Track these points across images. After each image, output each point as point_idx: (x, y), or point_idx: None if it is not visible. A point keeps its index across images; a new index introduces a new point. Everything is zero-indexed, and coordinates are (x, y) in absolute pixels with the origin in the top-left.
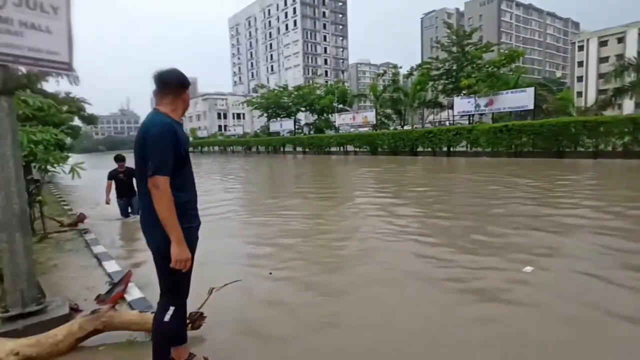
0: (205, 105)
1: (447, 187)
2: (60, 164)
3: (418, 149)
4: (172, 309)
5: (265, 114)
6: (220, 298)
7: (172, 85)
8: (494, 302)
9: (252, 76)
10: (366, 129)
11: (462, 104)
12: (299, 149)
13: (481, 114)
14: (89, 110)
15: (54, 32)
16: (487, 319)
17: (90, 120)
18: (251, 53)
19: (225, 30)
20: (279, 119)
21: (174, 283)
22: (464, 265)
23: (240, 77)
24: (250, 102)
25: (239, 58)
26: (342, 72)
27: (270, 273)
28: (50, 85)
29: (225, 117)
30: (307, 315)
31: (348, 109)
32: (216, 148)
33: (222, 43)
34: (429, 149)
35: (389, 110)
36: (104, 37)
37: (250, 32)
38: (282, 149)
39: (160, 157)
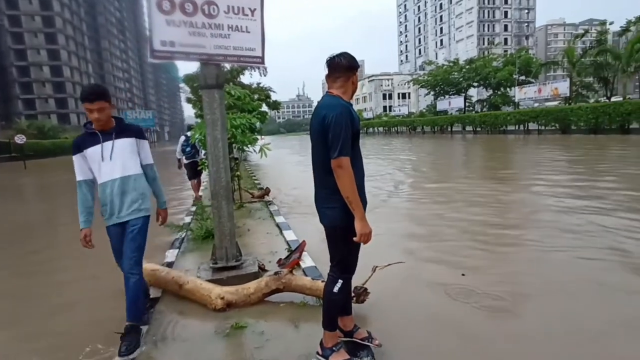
0: (370, 86)
1: None
2: (253, 145)
3: (631, 126)
4: (340, 282)
5: (432, 92)
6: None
7: (343, 68)
8: None
9: (420, 53)
10: (556, 103)
11: None
12: (468, 128)
13: None
14: (274, 97)
15: (252, 31)
16: None
17: (275, 106)
18: (419, 29)
19: (394, 8)
20: (447, 96)
21: (346, 258)
22: None
23: (407, 56)
24: (416, 81)
25: (406, 36)
26: (527, 38)
27: (463, 274)
28: (245, 77)
29: (390, 97)
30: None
31: (532, 80)
32: (380, 129)
33: (390, 23)
34: None
35: (589, 79)
36: (278, 27)
37: (419, 7)
38: (449, 129)
39: (342, 139)
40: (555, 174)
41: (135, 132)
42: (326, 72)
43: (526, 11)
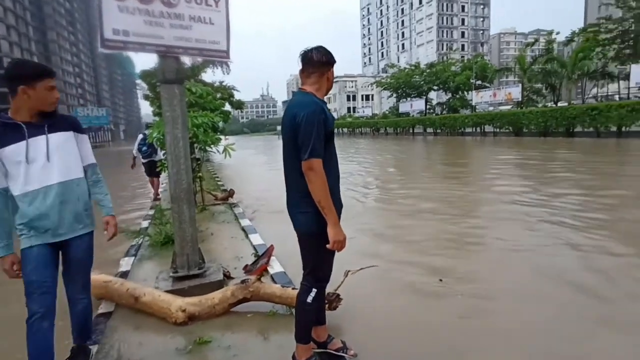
0: (335, 88)
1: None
2: (215, 145)
3: (576, 129)
4: (314, 291)
5: (395, 95)
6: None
7: (318, 63)
8: None
9: (382, 56)
10: (509, 107)
11: None
12: (429, 130)
13: None
14: (237, 96)
15: (216, 23)
16: None
17: (238, 105)
18: (382, 32)
19: (357, 11)
20: (409, 99)
21: (320, 266)
22: None
23: (370, 58)
24: (379, 83)
25: (369, 38)
26: (482, 45)
27: (441, 280)
28: (207, 75)
29: (354, 99)
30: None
31: (488, 85)
32: (345, 130)
33: (355, 25)
34: (591, 129)
35: (538, 85)
36: (243, 26)
37: (381, 11)
38: (411, 131)
39: (313, 140)
40: (511, 175)
41: (71, 123)
42: (300, 67)
43: (481, 19)
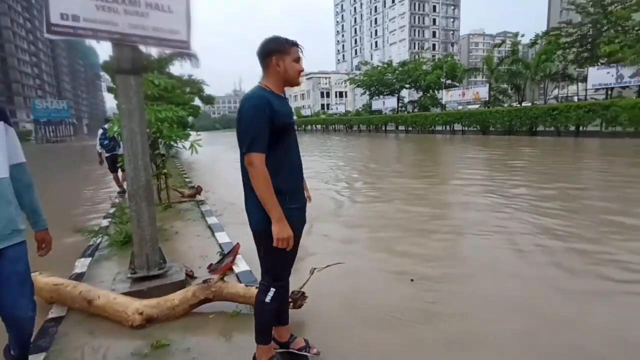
0: (308, 84)
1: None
2: (182, 140)
3: (538, 129)
4: (272, 290)
5: (368, 92)
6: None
7: (259, 54)
8: None
9: (356, 53)
10: (477, 106)
11: (599, 76)
12: (401, 127)
13: (623, 87)
14: (207, 91)
15: (175, 11)
16: None
17: (209, 100)
18: (355, 29)
19: (331, 7)
20: (381, 96)
21: (274, 265)
22: None
23: (343, 55)
24: (352, 80)
25: (342, 35)
26: (452, 45)
27: (412, 280)
28: (175, 68)
29: (328, 95)
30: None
31: (457, 84)
32: (318, 127)
33: (327, 21)
34: (552, 128)
35: (504, 85)
36: (215, 21)
37: (355, 8)
38: (383, 128)
39: (253, 133)
40: (478, 170)
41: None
42: None
43: (452, 20)
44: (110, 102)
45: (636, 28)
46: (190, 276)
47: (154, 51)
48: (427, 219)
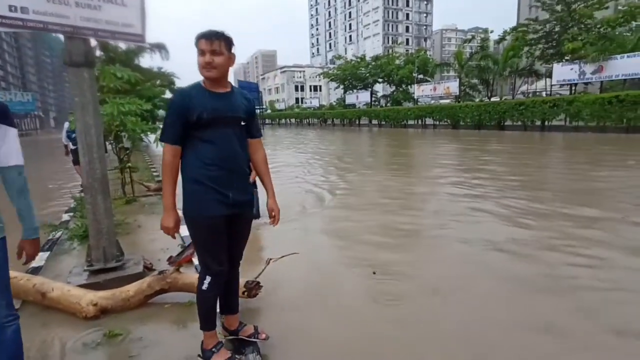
0: (283, 77)
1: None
2: (147, 134)
3: (506, 123)
4: (208, 278)
5: (342, 86)
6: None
7: None
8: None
9: (330, 47)
10: (448, 100)
11: (564, 72)
12: (375, 121)
13: (587, 83)
14: (179, 84)
15: (128, 4)
16: None
17: None
18: (330, 23)
19: (305, 0)
20: (355, 91)
21: (201, 254)
22: None
23: (318, 49)
24: (326, 74)
25: (317, 29)
26: (425, 40)
27: (374, 272)
28: (145, 60)
29: (302, 89)
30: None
31: (429, 79)
32: (292, 121)
33: (302, 14)
34: (519, 123)
35: (474, 80)
36: (187, 12)
37: (329, 1)
38: (357, 122)
39: (165, 124)
40: (449, 165)
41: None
42: None
43: (425, 15)
44: None
45: (598, 26)
46: (148, 268)
47: (121, 43)
48: (394, 209)
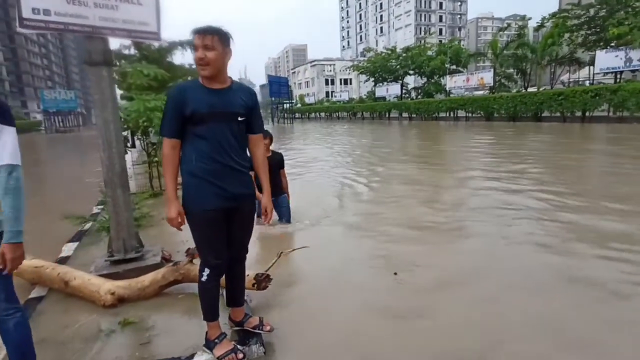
0: (313, 71)
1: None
2: None
3: (543, 114)
4: (207, 270)
5: (372, 79)
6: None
7: None
8: None
9: (361, 39)
10: (482, 92)
11: (608, 59)
12: (405, 114)
13: (634, 71)
14: None
15: (144, 3)
16: None
17: None
18: (360, 15)
19: None
20: (385, 83)
21: (197, 246)
22: None
23: (348, 42)
24: (356, 67)
25: (347, 21)
26: (460, 30)
27: (395, 274)
28: (177, 57)
29: (332, 83)
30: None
31: (462, 70)
32: (322, 114)
33: (333, 7)
34: (557, 114)
35: (510, 70)
36: (221, 9)
37: None
38: (387, 115)
39: (162, 118)
40: (483, 159)
41: None
42: None
43: (459, 3)
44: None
45: None
46: (167, 259)
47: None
48: (420, 202)
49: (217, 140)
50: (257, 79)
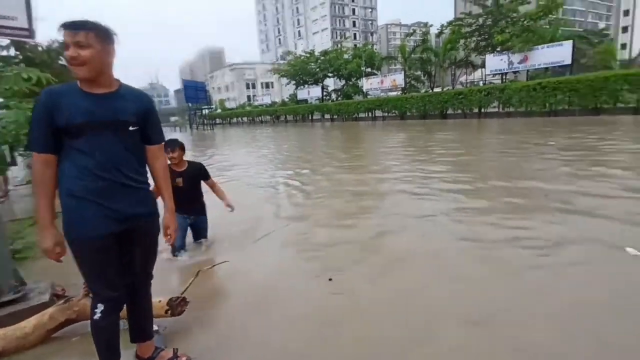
0: (232, 75)
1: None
2: None
3: (448, 112)
4: (100, 306)
5: (293, 82)
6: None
7: None
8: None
9: (280, 43)
10: (396, 93)
11: (495, 62)
12: (327, 116)
13: (515, 72)
14: None
15: None
16: None
17: None
18: (277, 18)
19: None
20: (306, 86)
21: (85, 277)
22: None
23: (267, 45)
24: (277, 70)
25: (265, 24)
26: (372, 35)
27: (330, 279)
28: None
29: (253, 86)
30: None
31: (377, 72)
32: (244, 119)
33: (249, 9)
34: (459, 111)
35: (418, 72)
36: (129, 10)
37: None
38: (310, 117)
39: (30, 129)
40: (396, 155)
41: None
42: None
43: (370, 10)
44: None
45: (522, 19)
46: (59, 296)
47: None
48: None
49: (101, 154)
50: (171, 84)
